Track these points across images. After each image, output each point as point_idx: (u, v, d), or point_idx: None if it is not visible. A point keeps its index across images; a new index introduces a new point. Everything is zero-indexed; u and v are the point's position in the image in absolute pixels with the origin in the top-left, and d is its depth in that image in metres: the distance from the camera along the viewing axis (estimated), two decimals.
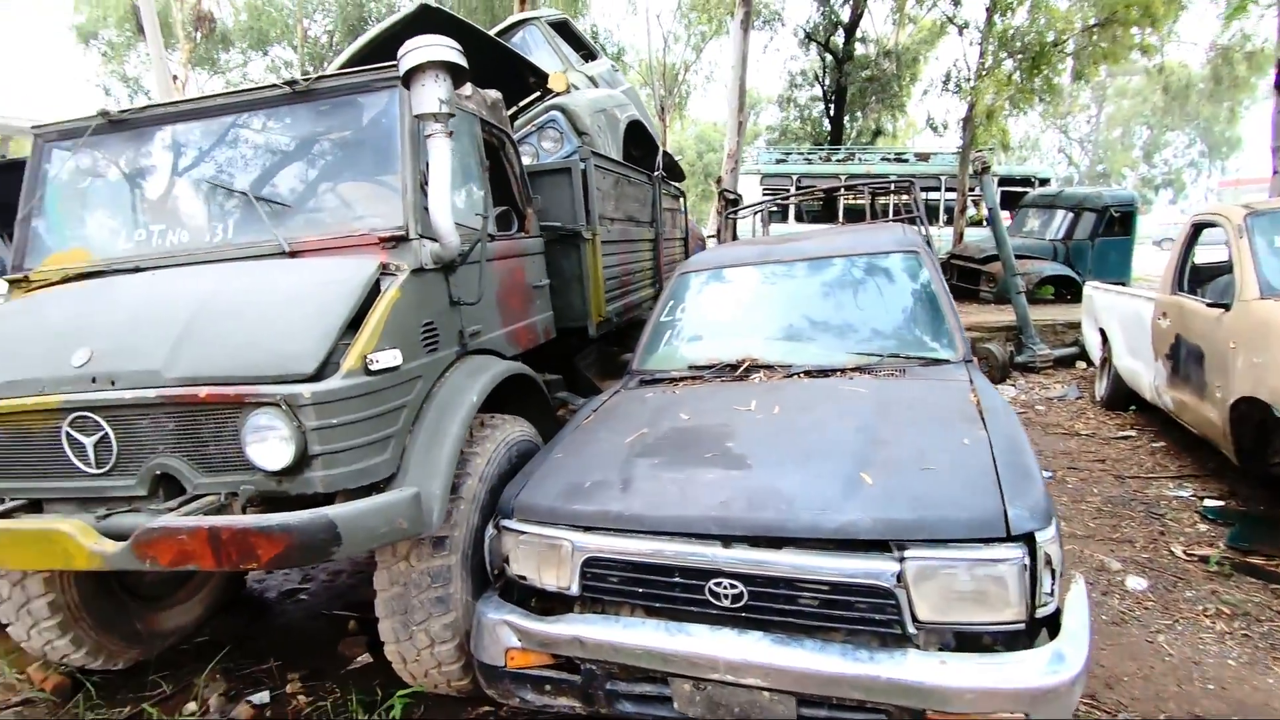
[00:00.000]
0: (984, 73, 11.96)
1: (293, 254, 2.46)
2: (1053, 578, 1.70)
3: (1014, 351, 7.58)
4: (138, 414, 2.06)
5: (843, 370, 2.81)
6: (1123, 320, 5.42)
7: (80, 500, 2.19)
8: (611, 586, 2.01)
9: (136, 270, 2.59)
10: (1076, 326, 7.35)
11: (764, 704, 1.80)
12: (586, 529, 2.03)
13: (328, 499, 2.06)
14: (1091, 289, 6.36)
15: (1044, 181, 14.83)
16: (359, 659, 2.95)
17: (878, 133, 22.52)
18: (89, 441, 2.10)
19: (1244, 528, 3.56)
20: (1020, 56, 11.74)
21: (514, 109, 5.11)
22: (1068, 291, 10.09)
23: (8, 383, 2.15)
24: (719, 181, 10.07)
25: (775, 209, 12.48)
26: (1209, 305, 3.89)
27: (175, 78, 16.18)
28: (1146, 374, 4.84)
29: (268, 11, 21.77)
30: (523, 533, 2.13)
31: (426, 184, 2.45)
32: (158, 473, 2.10)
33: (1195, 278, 4.55)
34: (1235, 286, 3.69)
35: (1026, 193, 13.16)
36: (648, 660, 1.90)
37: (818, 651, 1.75)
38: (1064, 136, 38.87)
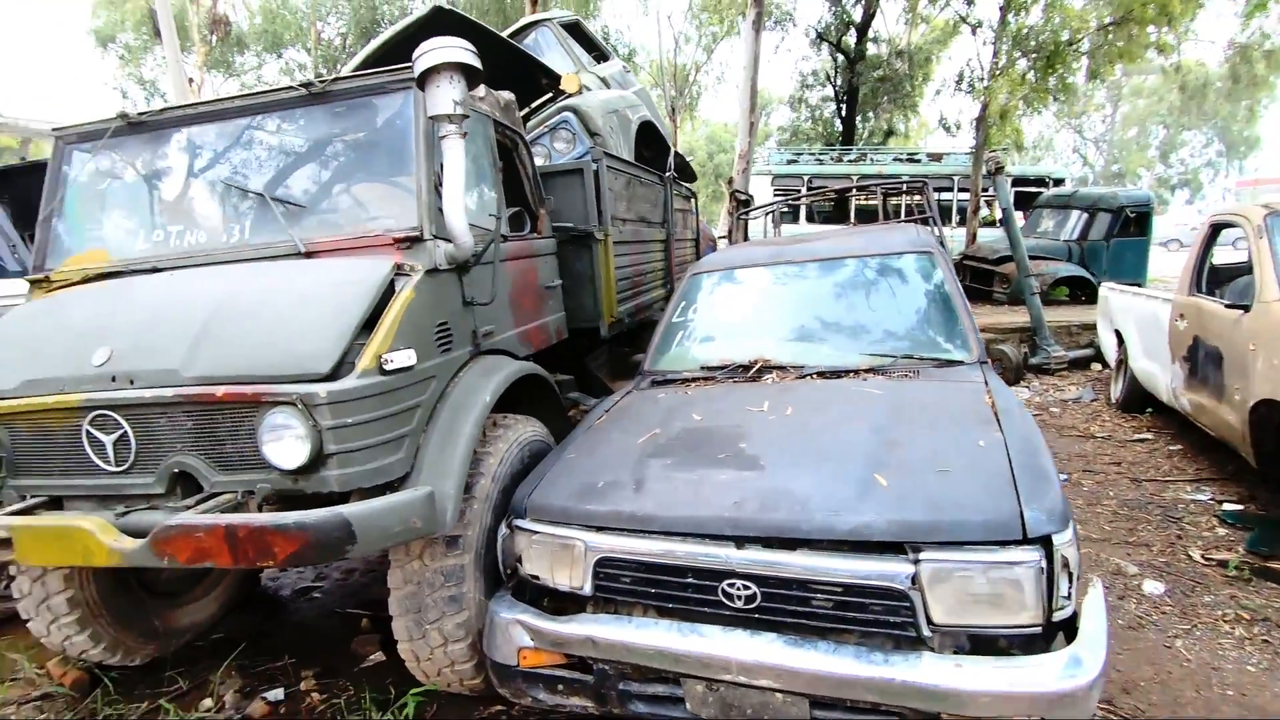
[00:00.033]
0: (998, 72, 11.86)
1: (308, 254, 2.48)
2: (1070, 581, 1.69)
3: (1028, 353, 7.52)
4: (156, 412, 2.09)
5: (856, 371, 2.80)
6: (1139, 322, 5.36)
7: (100, 498, 2.22)
8: (624, 587, 2.01)
9: (155, 271, 2.62)
10: (1091, 328, 7.27)
11: (777, 706, 1.79)
12: (599, 529, 2.03)
13: (342, 498, 2.08)
14: (1107, 290, 6.30)
15: (1058, 182, 14.70)
16: (372, 657, 2.97)
17: (890, 133, 22.39)
18: (109, 440, 2.12)
19: (1264, 532, 3.51)
20: (1034, 56, 11.63)
21: (526, 110, 5.13)
22: (1082, 293, 10.00)
23: (30, 381, 2.19)
24: (730, 182, 10.05)
25: (786, 210, 12.46)
26: (1228, 306, 3.84)
27: (191, 80, 16.33)
28: (1163, 376, 4.78)
29: (282, 15, 21.94)
30: (536, 532, 2.13)
31: (441, 185, 2.47)
32: (175, 471, 2.13)
33: (1214, 278, 4.50)
34: (1255, 287, 3.64)
35: (1040, 193, 13.05)
36: (660, 661, 1.90)
37: (831, 653, 1.74)
38: (1079, 136, 38.51)
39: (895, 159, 15.77)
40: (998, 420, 2.20)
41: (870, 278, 3.26)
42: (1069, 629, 1.71)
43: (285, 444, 1.98)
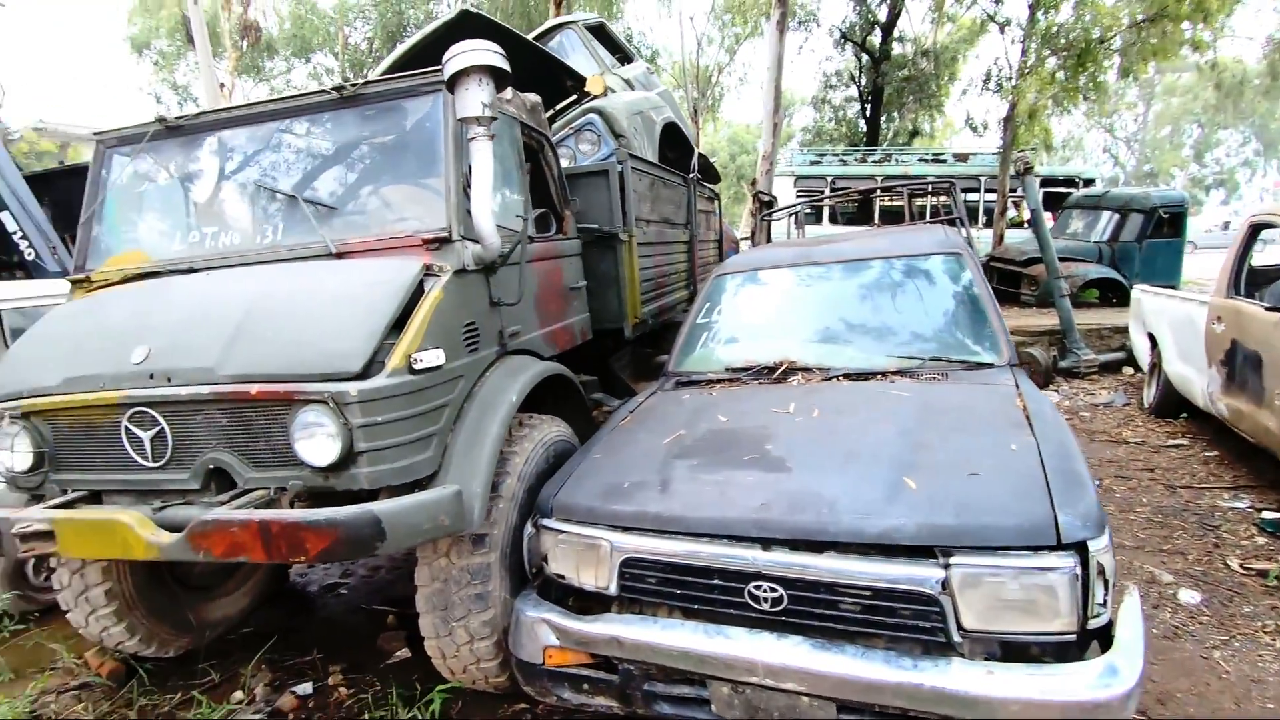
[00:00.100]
0: (1026, 71, 11.65)
1: (339, 255, 2.52)
2: (1105, 588, 1.66)
3: (1057, 356, 7.39)
4: (192, 409, 2.13)
5: (883, 373, 2.77)
6: (1173, 324, 5.24)
7: (137, 492, 2.28)
8: (649, 587, 2.01)
9: (191, 271, 2.68)
10: (1122, 331, 7.12)
11: (804, 709, 1.78)
12: (625, 529, 2.03)
13: (372, 495, 2.11)
14: (1140, 292, 6.16)
15: (1088, 182, 14.40)
16: (398, 653, 3.00)
17: (915, 133, 22.14)
18: (146, 436, 2.18)
19: None
20: (1065, 54, 11.41)
21: (552, 112, 5.16)
22: (1113, 295, 9.80)
23: (71, 379, 2.25)
24: (753, 183, 10.01)
25: (809, 211, 12.37)
26: (1268, 309, 3.74)
27: (222, 85, 16.68)
28: (1199, 380, 4.67)
29: (310, 20, 22.32)
30: (561, 532, 2.14)
31: (469, 186, 2.49)
32: (210, 467, 2.17)
33: (1253, 280, 4.38)
34: None
35: (1070, 193, 12.78)
36: (685, 662, 1.89)
37: (859, 658, 1.73)
38: (1109, 135, 37.75)
39: (920, 159, 15.57)
40: (1030, 424, 2.16)
41: (897, 279, 3.22)
42: (1104, 637, 1.68)
43: (317, 441, 2.01)
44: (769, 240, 7.67)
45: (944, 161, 15.37)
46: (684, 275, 5.81)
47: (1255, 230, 4.38)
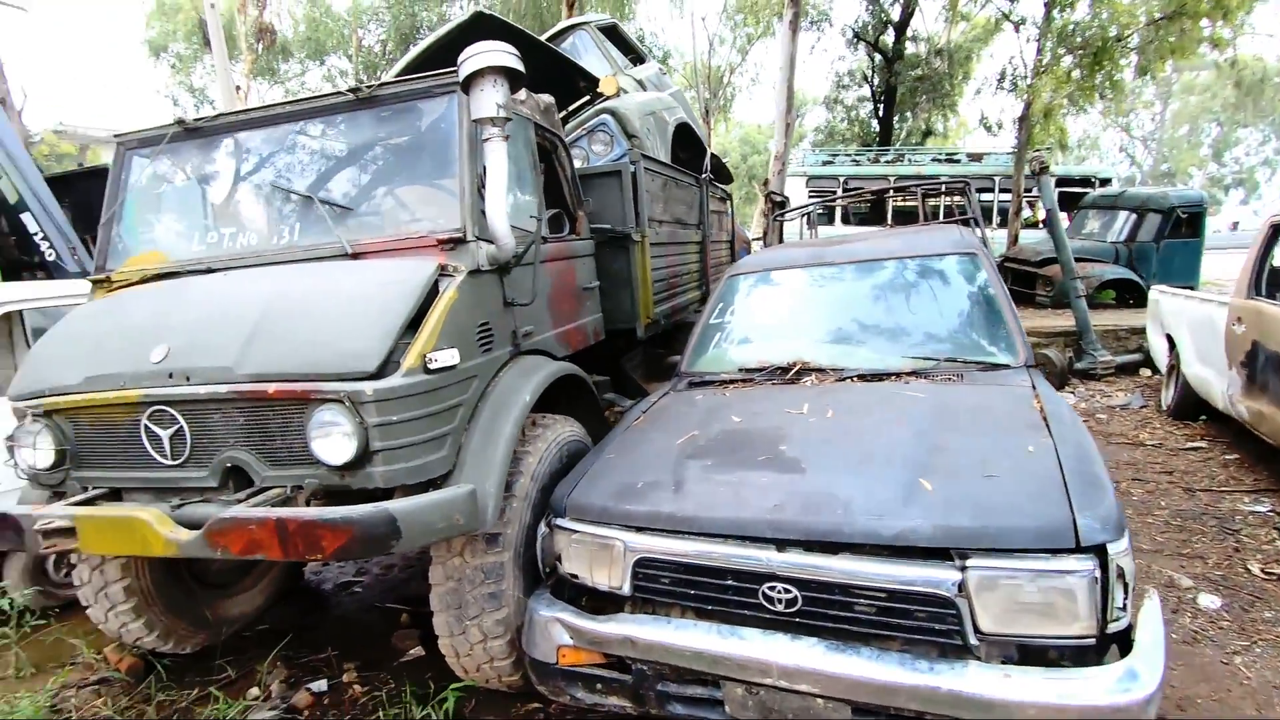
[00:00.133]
0: (1041, 70, 11.52)
1: (355, 255, 2.53)
2: (1125, 592, 1.64)
3: (1073, 358, 7.31)
4: (211, 408, 2.16)
5: (898, 374, 2.75)
6: (1192, 326, 5.17)
7: (156, 490, 2.30)
8: (663, 587, 2.01)
9: (209, 271, 2.71)
10: (1139, 332, 7.04)
11: (818, 711, 1.77)
12: (639, 529, 2.03)
13: (387, 494, 2.12)
14: (1158, 293, 6.09)
15: (1105, 181, 14.24)
16: (411, 652, 3.02)
17: (928, 133, 21.99)
18: (165, 434, 2.20)
19: None
20: (1081, 52, 11.28)
21: (565, 112, 5.17)
22: (1130, 296, 9.69)
23: (92, 377, 2.28)
24: (765, 184, 9.98)
25: (822, 211, 12.32)
26: None
27: (238, 88, 16.85)
28: (1219, 382, 4.60)
29: (324, 23, 22.53)
30: (575, 531, 2.14)
31: (483, 187, 2.50)
32: (228, 465, 2.19)
33: (1274, 281, 4.32)
34: None
35: (1086, 193, 12.65)
36: (699, 663, 1.89)
37: (874, 660, 1.72)
38: (1126, 135, 37.32)
39: (934, 159, 15.46)
40: (1047, 425, 2.14)
41: (912, 279, 3.20)
42: (1123, 642, 1.66)
43: (333, 440, 2.03)
44: (781, 241, 7.65)
45: (958, 161, 15.24)
46: (696, 276, 5.81)
47: (1276, 230, 4.31)
